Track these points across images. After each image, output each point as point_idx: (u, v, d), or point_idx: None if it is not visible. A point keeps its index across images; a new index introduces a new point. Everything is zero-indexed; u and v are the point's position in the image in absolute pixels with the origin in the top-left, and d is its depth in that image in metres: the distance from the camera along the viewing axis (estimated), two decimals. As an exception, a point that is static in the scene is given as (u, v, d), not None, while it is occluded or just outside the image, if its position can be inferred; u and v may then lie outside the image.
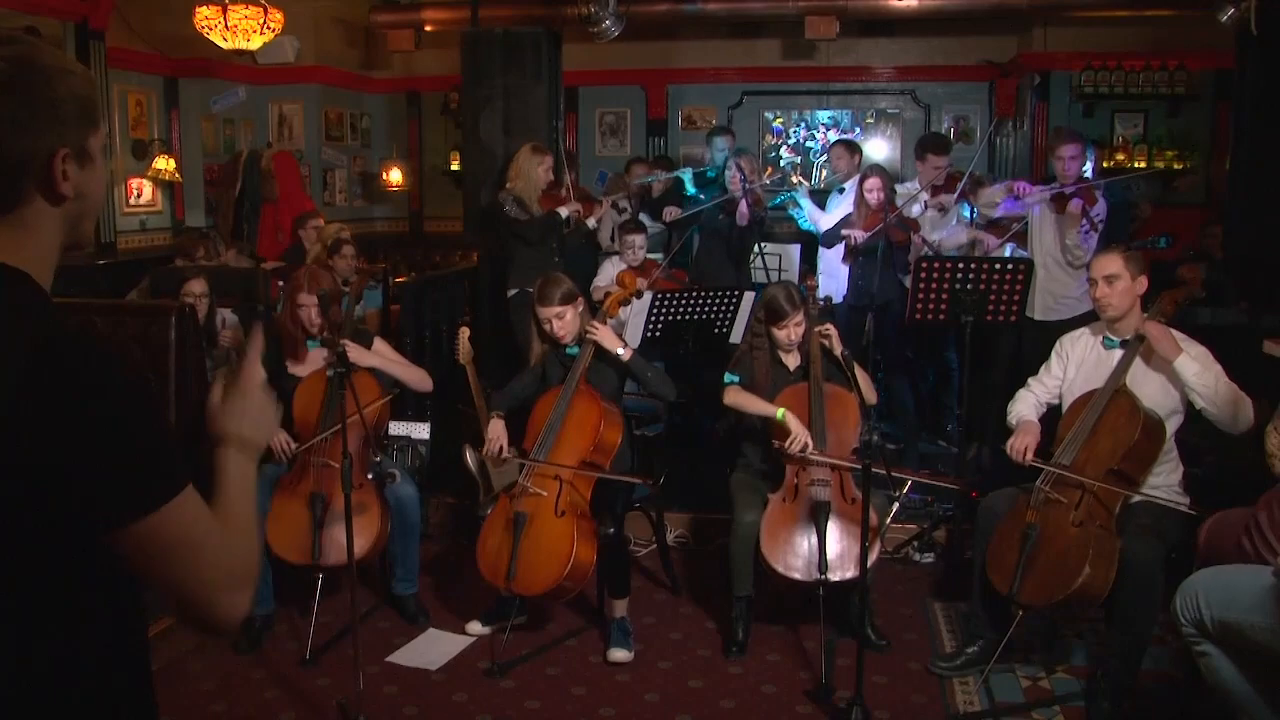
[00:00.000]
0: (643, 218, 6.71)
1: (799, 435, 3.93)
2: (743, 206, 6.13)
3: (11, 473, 1.12)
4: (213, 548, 1.26)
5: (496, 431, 4.18)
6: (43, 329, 1.19)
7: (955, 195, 5.99)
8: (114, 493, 1.17)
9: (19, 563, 1.16)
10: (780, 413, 4.00)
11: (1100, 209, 5.28)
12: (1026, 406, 4.00)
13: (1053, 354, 4.05)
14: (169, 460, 1.21)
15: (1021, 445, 3.79)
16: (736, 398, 4.17)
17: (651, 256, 6.32)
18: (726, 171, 6.37)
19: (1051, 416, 3.92)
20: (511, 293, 5.73)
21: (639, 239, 6.00)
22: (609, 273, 6.03)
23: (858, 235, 5.80)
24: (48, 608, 1.20)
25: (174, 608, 1.26)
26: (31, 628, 1.18)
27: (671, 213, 6.46)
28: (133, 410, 1.19)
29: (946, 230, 6.19)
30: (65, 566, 1.19)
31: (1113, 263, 3.70)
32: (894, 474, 3.67)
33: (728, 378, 4.21)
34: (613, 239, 7.20)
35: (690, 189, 7.00)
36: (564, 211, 5.68)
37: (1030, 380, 4.08)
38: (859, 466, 3.58)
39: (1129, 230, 6.78)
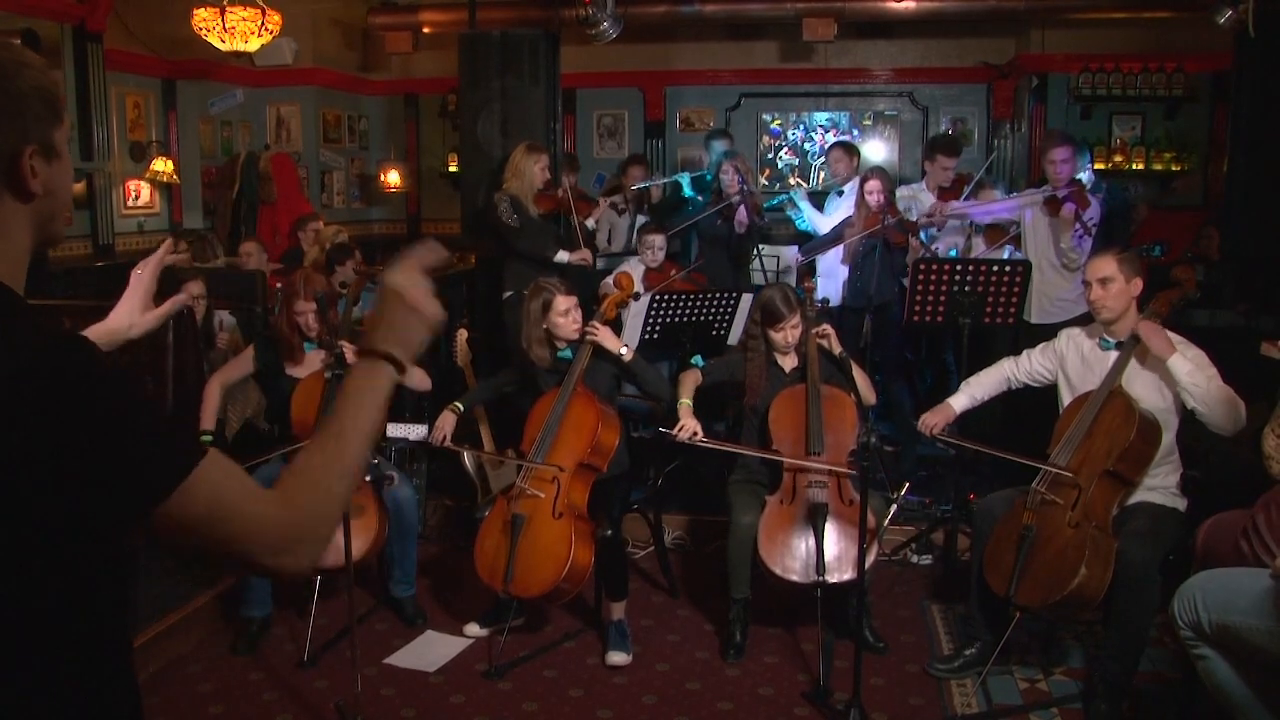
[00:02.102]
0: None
1: (686, 423, 4.08)
2: (741, 214, 6.11)
3: (8, 482, 1.10)
4: (251, 511, 1.23)
5: (443, 422, 4.26)
6: (24, 334, 1.16)
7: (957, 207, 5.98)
8: (135, 476, 1.15)
9: (8, 572, 1.14)
10: (681, 402, 4.16)
11: (1093, 212, 5.29)
12: (978, 386, 4.14)
13: (1051, 342, 4.05)
14: (176, 434, 1.20)
15: (931, 421, 4.03)
16: (681, 377, 4.34)
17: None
18: (722, 176, 6.34)
19: (1048, 415, 3.92)
20: (506, 294, 5.70)
21: (658, 239, 5.96)
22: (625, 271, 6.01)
23: (797, 259, 6.01)
24: (33, 618, 1.17)
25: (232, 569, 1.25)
26: (16, 639, 1.16)
27: (655, 255, 6.42)
28: (129, 397, 1.17)
29: (945, 234, 6.20)
30: (50, 574, 1.16)
31: (1106, 265, 3.71)
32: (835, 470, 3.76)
33: (696, 359, 4.27)
34: (609, 241, 7.20)
35: (688, 191, 7.00)
36: (565, 257, 5.62)
37: (1025, 353, 4.10)
38: (854, 472, 3.59)
39: (1129, 234, 6.79)
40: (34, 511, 1.12)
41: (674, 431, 4.06)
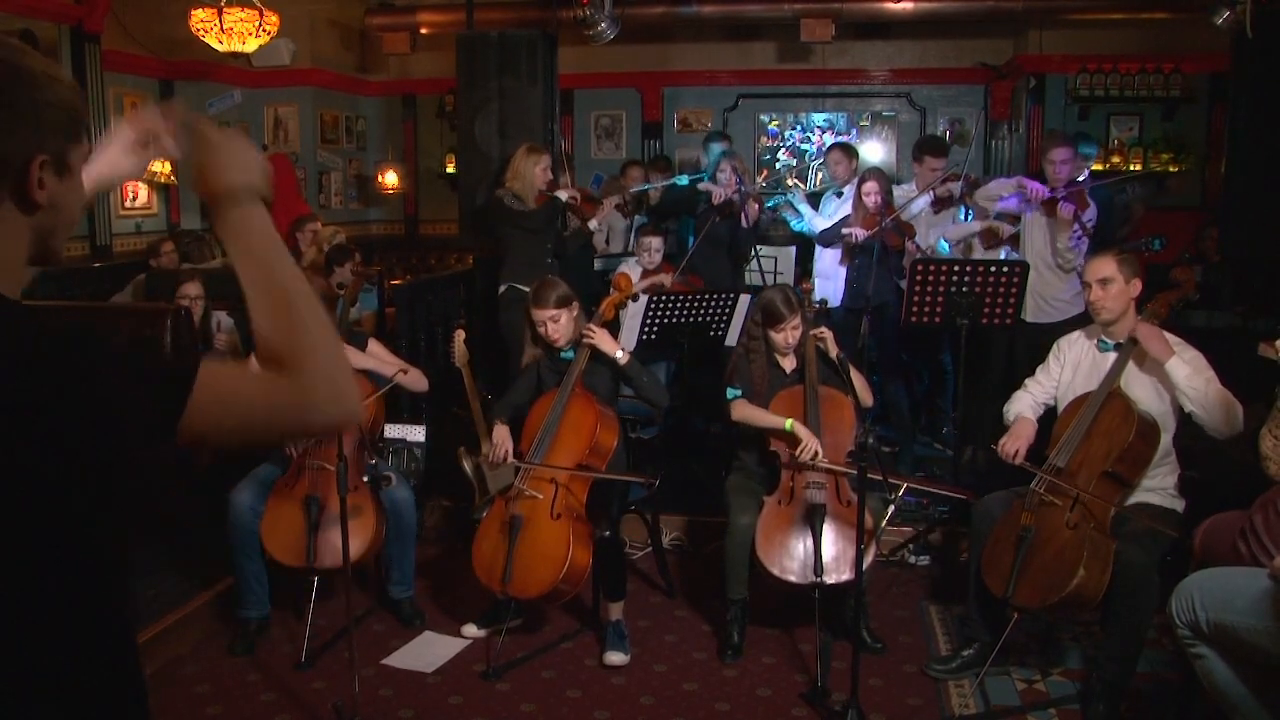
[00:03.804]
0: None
1: (809, 444, 3.93)
2: (751, 208, 6.12)
3: (25, 469, 1.11)
4: (258, 385, 1.27)
5: (501, 436, 4.17)
6: (19, 331, 1.17)
7: (960, 184, 5.96)
8: (149, 403, 1.19)
9: (14, 568, 1.15)
10: (789, 423, 4.00)
11: (1092, 214, 5.30)
12: (1023, 407, 4.01)
13: (1050, 355, 4.05)
14: (172, 362, 1.24)
15: (1012, 448, 3.81)
16: (745, 412, 4.16)
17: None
18: (720, 174, 6.33)
19: (1046, 419, 3.93)
20: (502, 289, 5.68)
21: (655, 241, 5.97)
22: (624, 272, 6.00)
23: (858, 233, 5.78)
24: (39, 615, 1.18)
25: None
26: (23, 635, 1.17)
27: (719, 194, 6.32)
28: (126, 350, 1.21)
29: (950, 226, 6.18)
30: (54, 572, 1.17)
31: (1106, 266, 3.71)
32: (891, 479, 3.69)
33: (730, 393, 4.19)
34: (607, 242, 7.20)
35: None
36: (563, 195, 5.62)
37: (1028, 381, 4.09)
38: (855, 471, 3.58)
39: (1121, 233, 6.79)
40: (47, 484, 1.14)
41: (797, 453, 3.96)
